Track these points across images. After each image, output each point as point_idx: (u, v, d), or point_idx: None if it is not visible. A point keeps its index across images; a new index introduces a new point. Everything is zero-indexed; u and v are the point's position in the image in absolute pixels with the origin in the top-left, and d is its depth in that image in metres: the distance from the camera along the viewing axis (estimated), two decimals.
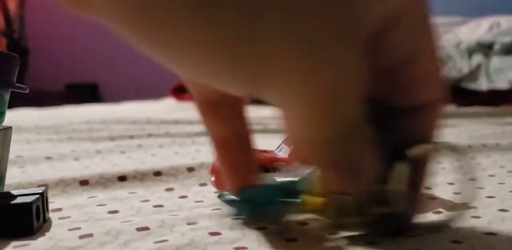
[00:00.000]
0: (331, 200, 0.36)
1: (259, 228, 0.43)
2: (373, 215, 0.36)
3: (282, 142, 0.57)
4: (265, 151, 0.57)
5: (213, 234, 0.42)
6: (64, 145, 0.88)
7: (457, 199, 0.53)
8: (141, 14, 0.26)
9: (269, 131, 1.05)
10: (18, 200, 0.42)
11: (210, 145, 0.43)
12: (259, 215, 0.43)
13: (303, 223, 0.46)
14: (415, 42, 0.33)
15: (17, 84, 0.46)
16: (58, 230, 0.44)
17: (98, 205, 0.52)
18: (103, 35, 3.02)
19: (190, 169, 0.66)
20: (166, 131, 1.03)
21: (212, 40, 0.26)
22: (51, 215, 0.48)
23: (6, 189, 0.47)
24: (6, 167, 0.47)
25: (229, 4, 0.25)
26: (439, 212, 0.48)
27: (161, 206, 0.52)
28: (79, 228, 0.44)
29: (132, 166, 0.70)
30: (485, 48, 1.72)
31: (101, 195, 0.57)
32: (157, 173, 0.65)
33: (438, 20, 1.95)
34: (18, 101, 1.34)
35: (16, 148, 0.79)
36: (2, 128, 0.46)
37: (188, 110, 1.57)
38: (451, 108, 1.53)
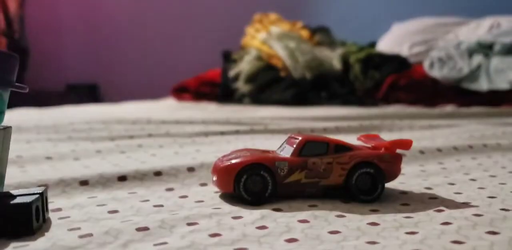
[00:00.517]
0: None
1: (260, 228, 0.43)
2: None
3: (284, 142, 0.57)
4: (267, 151, 0.57)
5: (213, 235, 0.42)
6: (64, 144, 0.88)
7: (458, 199, 0.53)
8: None
9: (269, 131, 1.05)
10: (18, 200, 0.42)
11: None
12: None
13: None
14: None
15: (16, 83, 0.45)
16: (57, 230, 0.44)
17: (98, 205, 0.52)
18: (103, 35, 3.02)
19: (190, 169, 0.66)
20: (166, 131, 1.03)
21: None
22: (51, 215, 0.48)
23: (6, 188, 0.47)
24: (6, 167, 0.47)
25: None
26: (441, 211, 0.48)
27: (161, 205, 0.52)
28: (79, 228, 0.44)
29: (132, 166, 0.69)
30: (486, 48, 1.72)
31: (101, 195, 0.57)
32: (157, 173, 0.64)
33: (439, 21, 1.94)
34: (18, 101, 1.33)
35: (16, 148, 0.79)
36: (1, 127, 0.45)
37: (188, 110, 1.57)
38: (451, 108, 1.53)
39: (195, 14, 2.87)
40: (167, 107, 1.72)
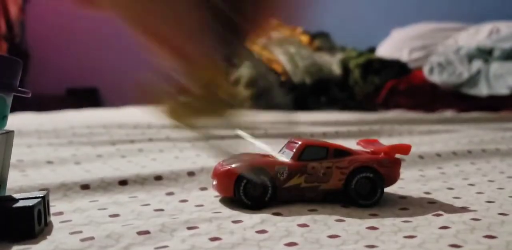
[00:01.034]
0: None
1: (259, 232, 0.44)
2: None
3: (284, 146, 0.57)
4: (267, 156, 0.57)
5: (214, 239, 0.42)
6: (65, 149, 0.89)
7: (456, 203, 0.54)
8: None
9: (270, 135, 1.05)
10: (20, 204, 0.42)
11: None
12: None
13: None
14: None
15: (19, 88, 0.46)
16: (59, 233, 0.44)
17: (99, 209, 0.52)
18: (103, 39, 3.02)
19: (191, 173, 0.67)
20: (167, 135, 1.03)
21: None
22: (53, 219, 0.48)
23: (7, 192, 0.47)
24: (8, 171, 0.47)
25: None
26: (440, 215, 0.49)
27: (161, 210, 0.52)
28: (80, 232, 0.44)
29: (133, 170, 0.70)
30: (485, 54, 1.73)
31: (102, 199, 0.57)
32: (158, 177, 0.65)
33: (438, 26, 1.95)
34: (18, 105, 1.34)
35: (17, 152, 0.79)
36: (4, 131, 0.46)
37: None
38: (451, 113, 1.53)
39: None
40: None
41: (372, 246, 0.40)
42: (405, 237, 0.42)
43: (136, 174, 0.65)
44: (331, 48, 2.06)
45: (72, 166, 0.76)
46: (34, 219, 0.42)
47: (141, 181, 0.63)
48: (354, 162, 0.54)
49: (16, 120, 1.28)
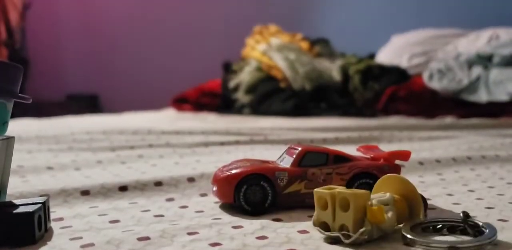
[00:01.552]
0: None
1: (259, 238, 0.44)
2: None
3: (284, 152, 0.58)
4: (267, 161, 0.58)
5: (214, 244, 0.42)
6: (65, 155, 0.89)
7: (456, 209, 0.54)
8: None
9: (269, 141, 1.05)
10: (20, 210, 0.43)
11: None
12: None
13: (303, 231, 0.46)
14: None
15: (20, 94, 0.46)
16: (59, 239, 0.44)
17: (99, 215, 0.52)
18: (103, 46, 3.03)
19: (191, 179, 0.67)
20: (167, 141, 1.03)
21: None
22: (53, 225, 0.49)
23: (8, 198, 0.47)
24: (9, 177, 0.47)
25: None
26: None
27: (161, 215, 0.52)
28: (80, 238, 0.44)
29: (133, 176, 0.70)
30: (485, 60, 1.73)
31: (102, 204, 0.57)
32: (158, 183, 0.65)
33: (438, 32, 1.95)
34: (18, 111, 1.34)
35: (17, 158, 0.79)
36: (4, 137, 0.46)
37: (188, 121, 1.57)
38: (450, 120, 1.53)
39: (196, 26, 2.88)
40: (167, 118, 1.72)
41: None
42: (406, 243, 0.42)
43: (136, 180, 0.65)
44: (331, 54, 2.07)
45: (72, 171, 0.76)
46: (34, 225, 0.42)
47: (141, 187, 0.63)
48: (354, 168, 0.54)
49: (17, 126, 1.28)
